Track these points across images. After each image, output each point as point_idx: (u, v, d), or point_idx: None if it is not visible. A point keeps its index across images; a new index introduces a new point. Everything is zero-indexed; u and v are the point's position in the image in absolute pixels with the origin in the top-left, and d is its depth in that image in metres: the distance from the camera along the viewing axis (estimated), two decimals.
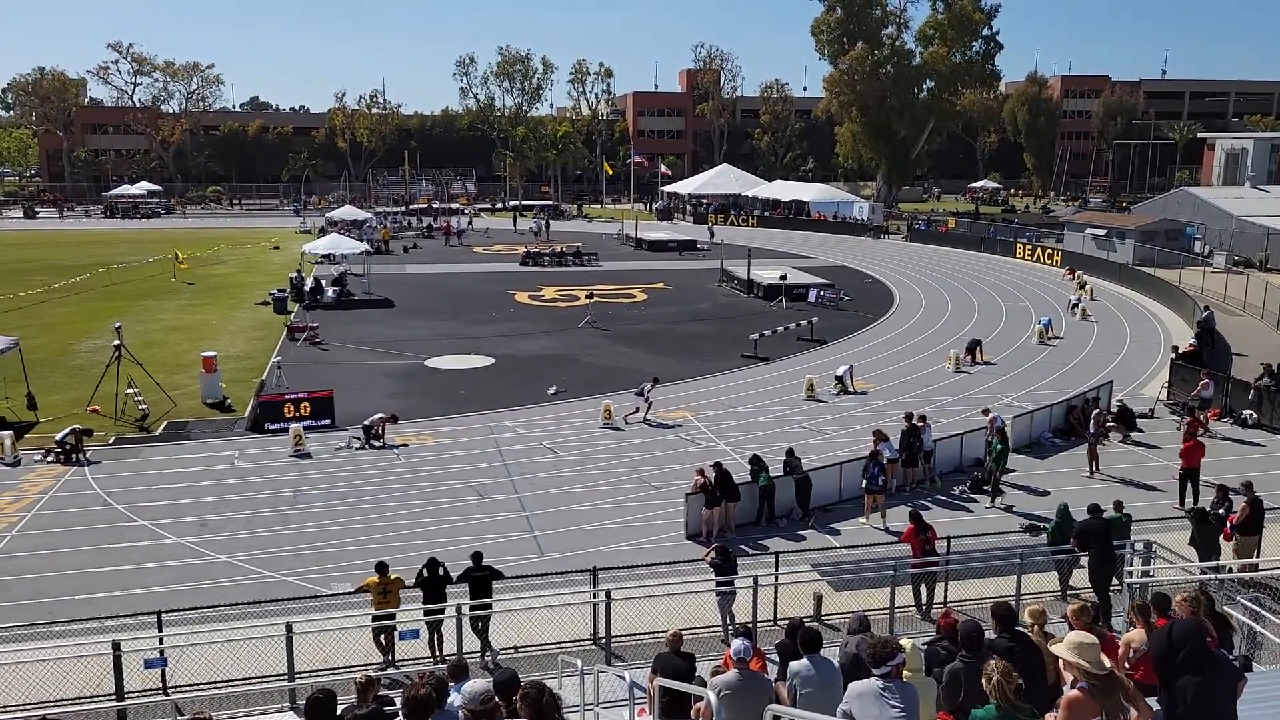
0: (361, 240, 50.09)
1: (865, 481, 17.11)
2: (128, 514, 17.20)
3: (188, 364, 27.34)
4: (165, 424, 22.60)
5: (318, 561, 15.29)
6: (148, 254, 51.78)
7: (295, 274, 40.89)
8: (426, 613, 12.20)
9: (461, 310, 37.51)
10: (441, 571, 12.50)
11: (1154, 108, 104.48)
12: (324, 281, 40.20)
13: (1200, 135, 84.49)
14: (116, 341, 23.57)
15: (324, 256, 43.92)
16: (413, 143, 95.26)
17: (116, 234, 66.10)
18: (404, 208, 77.86)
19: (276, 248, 56.96)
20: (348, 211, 64.07)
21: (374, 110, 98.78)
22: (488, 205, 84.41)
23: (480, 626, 12.24)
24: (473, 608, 12.16)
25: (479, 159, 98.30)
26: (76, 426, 20.41)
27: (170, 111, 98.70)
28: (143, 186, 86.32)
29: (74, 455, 19.84)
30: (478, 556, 12.71)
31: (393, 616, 12.10)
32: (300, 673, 11.17)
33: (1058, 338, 32.52)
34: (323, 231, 55.32)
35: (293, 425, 21.13)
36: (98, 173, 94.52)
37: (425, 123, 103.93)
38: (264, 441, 21.35)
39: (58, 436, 20.03)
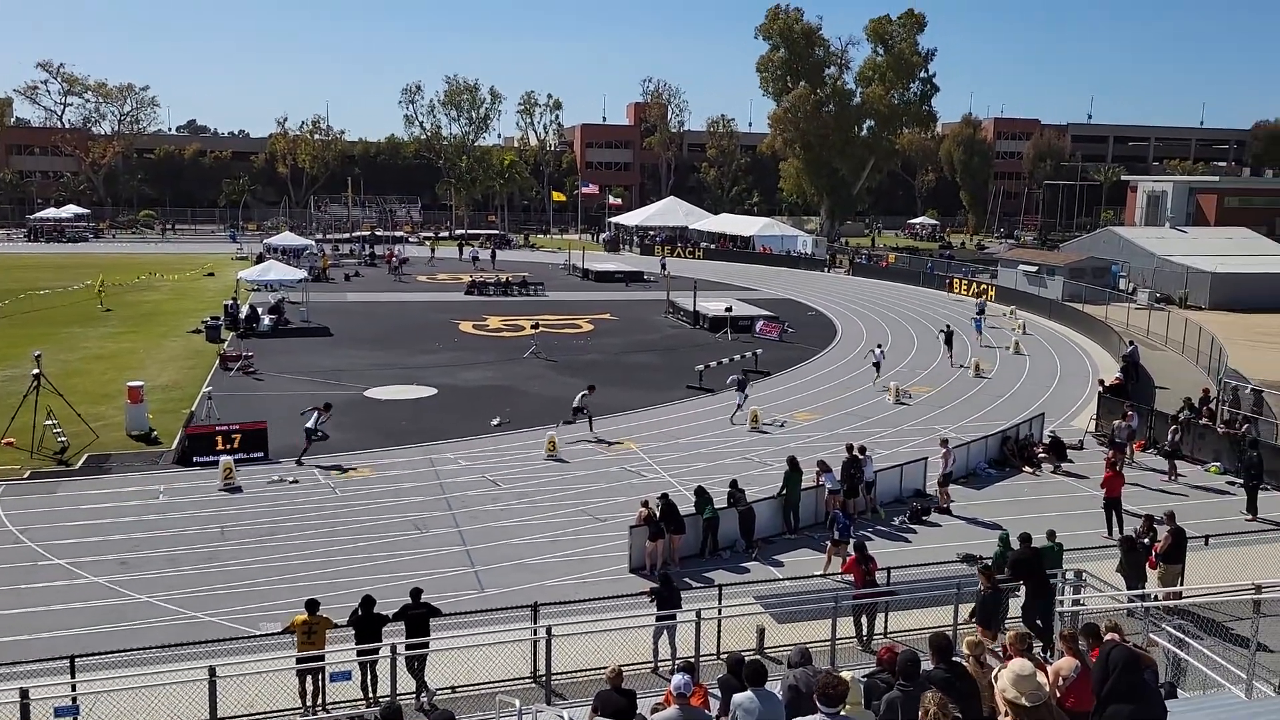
0: (300, 268, 49.12)
1: (837, 533, 16.17)
2: (42, 552, 16.35)
3: (112, 394, 26.29)
4: (85, 457, 21.64)
5: (246, 600, 14.72)
6: (73, 280, 50.02)
7: (230, 301, 39.85)
8: (360, 652, 11.80)
9: (404, 340, 36.93)
10: (376, 610, 12.11)
11: (1081, 150, 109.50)
12: (260, 309, 39.24)
13: (1123, 178, 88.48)
14: (35, 370, 22.60)
15: (261, 284, 42.91)
16: (356, 170, 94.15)
17: (40, 259, 63.74)
18: (323, 235, 72.78)
19: (211, 274, 55.55)
20: (286, 238, 62.89)
21: (316, 136, 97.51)
22: (431, 234, 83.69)
23: (416, 666, 11.87)
24: (409, 646, 11.80)
25: (424, 187, 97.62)
26: None
27: (102, 133, 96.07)
28: (70, 210, 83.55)
29: None
30: (416, 593, 12.37)
31: (321, 658, 11.66)
32: (224, 719, 10.68)
33: (983, 377, 32.24)
34: (260, 258, 54.17)
35: (223, 458, 20.42)
36: (22, 195, 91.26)
37: (370, 150, 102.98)
38: (192, 475, 20.57)
39: None
